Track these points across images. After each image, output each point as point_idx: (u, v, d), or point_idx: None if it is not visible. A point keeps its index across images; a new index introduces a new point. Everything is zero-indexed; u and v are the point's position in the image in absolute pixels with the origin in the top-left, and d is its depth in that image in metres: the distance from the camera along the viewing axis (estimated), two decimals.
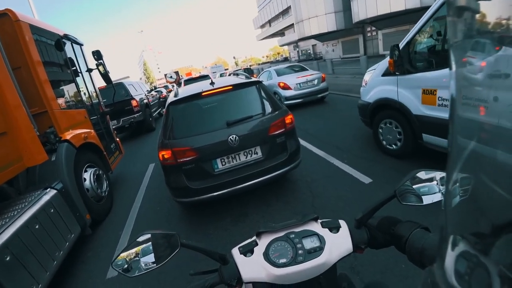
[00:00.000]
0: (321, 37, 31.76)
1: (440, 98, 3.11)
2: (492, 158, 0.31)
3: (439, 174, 0.80)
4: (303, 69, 9.53)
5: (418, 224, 0.73)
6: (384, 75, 3.98)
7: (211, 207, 3.51)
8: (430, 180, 0.80)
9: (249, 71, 18.47)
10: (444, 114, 3.09)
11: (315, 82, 8.51)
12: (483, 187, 0.32)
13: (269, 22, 52.19)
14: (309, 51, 42.96)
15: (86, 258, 3.08)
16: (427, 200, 0.77)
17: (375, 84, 4.19)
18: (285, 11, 42.27)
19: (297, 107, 8.41)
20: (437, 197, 0.77)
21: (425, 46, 3.38)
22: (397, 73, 3.63)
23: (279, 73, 9.29)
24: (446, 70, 2.95)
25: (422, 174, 0.81)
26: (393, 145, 4.00)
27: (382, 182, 3.34)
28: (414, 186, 0.80)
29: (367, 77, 4.50)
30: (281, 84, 8.60)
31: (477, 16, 0.31)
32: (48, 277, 2.38)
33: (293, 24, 34.96)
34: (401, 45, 3.51)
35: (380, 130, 4.18)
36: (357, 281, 0.91)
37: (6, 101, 2.63)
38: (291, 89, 8.47)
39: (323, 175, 3.82)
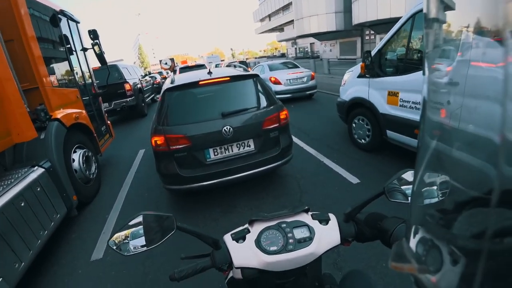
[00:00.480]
0: (320, 36, 31.79)
1: (401, 100, 3.54)
2: (448, 155, 0.36)
3: None
4: (294, 66, 9.94)
5: (402, 220, 0.77)
6: (359, 76, 4.37)
7: (200, 197, 3.53)
8: None
9: (244, 64, 18.36)
10: (403, 114, 3.53)
11: (305, 79, 8.95)
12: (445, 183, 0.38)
13: (269, 16, 51.77)
14: (306, 49, 42.97)
15: (71, 240, 3.06)
16: None
17: (352, 84, 4.62)
18: (286, 7, 41.98)
19: (290, 104, 8.47)
20: None
21: (392, 55, 3.87)
22: (367, 75, 4.12)
23: (272, 68, 9.74)
24: (407, 76, 3.42)
25: (408, 175, 0.85)
26: (363, 140, 4.45)
27: (370, 183, 3.42)
28: (402, 187, 0.84)
29: (346, 77, 4.94)
30: (272, 79, 8.90)
31: (444, 26, 0.36)
32: (32, 256, 2.36)
33: (293, 20, 34.81)
34: (373, 52, 3.99)
35: (354, 126, 4.64)
36: (340, 277, 0.94)
37: None
38: (281, 84, 8.84)
39: (313, 173, 3.88)
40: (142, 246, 0.78)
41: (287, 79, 8.83)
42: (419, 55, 3.40)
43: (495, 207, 0.28)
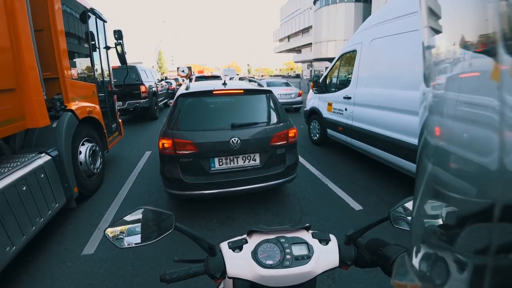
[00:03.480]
0: None
1: (333, 108, 5.43)
2: (448, 165, 0.36)
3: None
4: (288, 85, 12.49)
5: (405, 249, 0.73)
6: (315, 93, 6.45)
7: (199, 205, 3.50)
8: None
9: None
10: (333, 117, 5.42)
11: (292, 95, 11.52)
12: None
13: (289, 37, 53.01)
14: (321, 72, 43.45)
15: (66, 231, 3.04)
16: None
17: (312, 97, 6.64)
18: (306, 30, 43.02)
19: (300, 124, 8.49)
20: None
21: (330, 79, 5.84)
22: (315, 92, 6.39)
23: (269, 84, 11.67)
24: (336, 93, 5.32)
25: (411, 204, 0.82)
26: (315, 136, 6.49)
27: (372, 212, 3.34)
28: (408, 217, 0.81)
29: (310, 92, 6.91)
30: None
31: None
32: (24, 241, 2.34)
33: (311, 43, 35.51)
34: (321, 77, 6.21)
35: (311, 127, 6.71)
36: None
37: (23, 61, 2.64)
38: None
39: (315, 194, 3.83)
40: (137, 243, 0.77)
41: (278, 94, 10.56)
42: (339, 80, 5.43)
43: (498, 222, 0.27)
